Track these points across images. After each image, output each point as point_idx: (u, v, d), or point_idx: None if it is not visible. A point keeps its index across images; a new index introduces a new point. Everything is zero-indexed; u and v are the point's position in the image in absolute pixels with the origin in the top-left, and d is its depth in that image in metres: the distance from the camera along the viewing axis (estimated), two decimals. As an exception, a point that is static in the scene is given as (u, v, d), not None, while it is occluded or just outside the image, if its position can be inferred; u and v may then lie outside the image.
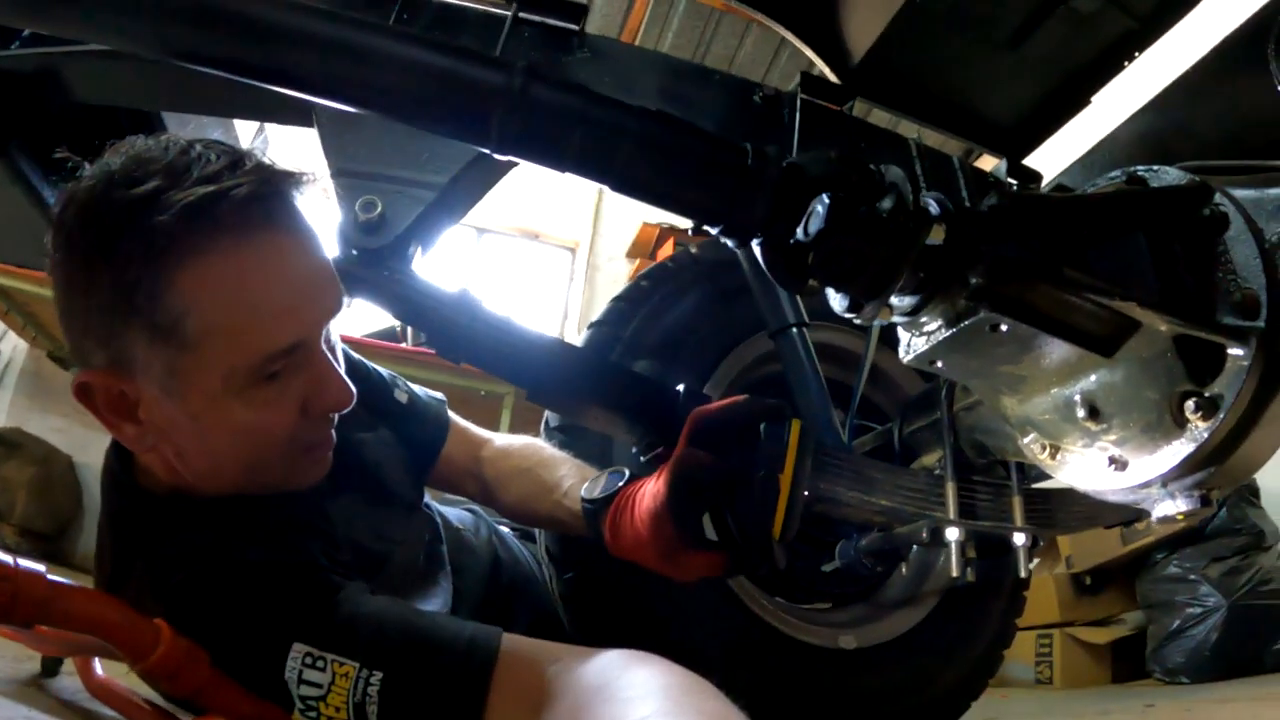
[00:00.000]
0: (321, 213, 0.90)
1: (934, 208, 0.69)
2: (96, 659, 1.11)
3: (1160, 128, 0.99)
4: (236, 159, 0.81)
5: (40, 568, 0.69)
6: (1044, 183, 1.17)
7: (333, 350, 0.91)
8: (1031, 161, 1.24)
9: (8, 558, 0.67)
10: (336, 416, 0.92)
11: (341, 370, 0.90)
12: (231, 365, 0.80)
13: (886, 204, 0.69)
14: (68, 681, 1.19)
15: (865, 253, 0.68)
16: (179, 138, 0.82)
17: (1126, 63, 1.09)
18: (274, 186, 0.81)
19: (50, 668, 1.21)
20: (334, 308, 0.88)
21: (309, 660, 0.73)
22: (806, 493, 0.99)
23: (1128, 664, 3.11)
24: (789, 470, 0.85)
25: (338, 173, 0.95)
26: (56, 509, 3.85)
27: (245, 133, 1.44)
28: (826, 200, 0.68)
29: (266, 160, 0.84)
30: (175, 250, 0.77)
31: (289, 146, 1.81)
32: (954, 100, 1.21)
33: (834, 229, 0.68)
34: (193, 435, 0.85)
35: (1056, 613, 3.23)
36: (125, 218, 0.77)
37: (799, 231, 0.71)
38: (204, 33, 0.74)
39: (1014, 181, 1.16)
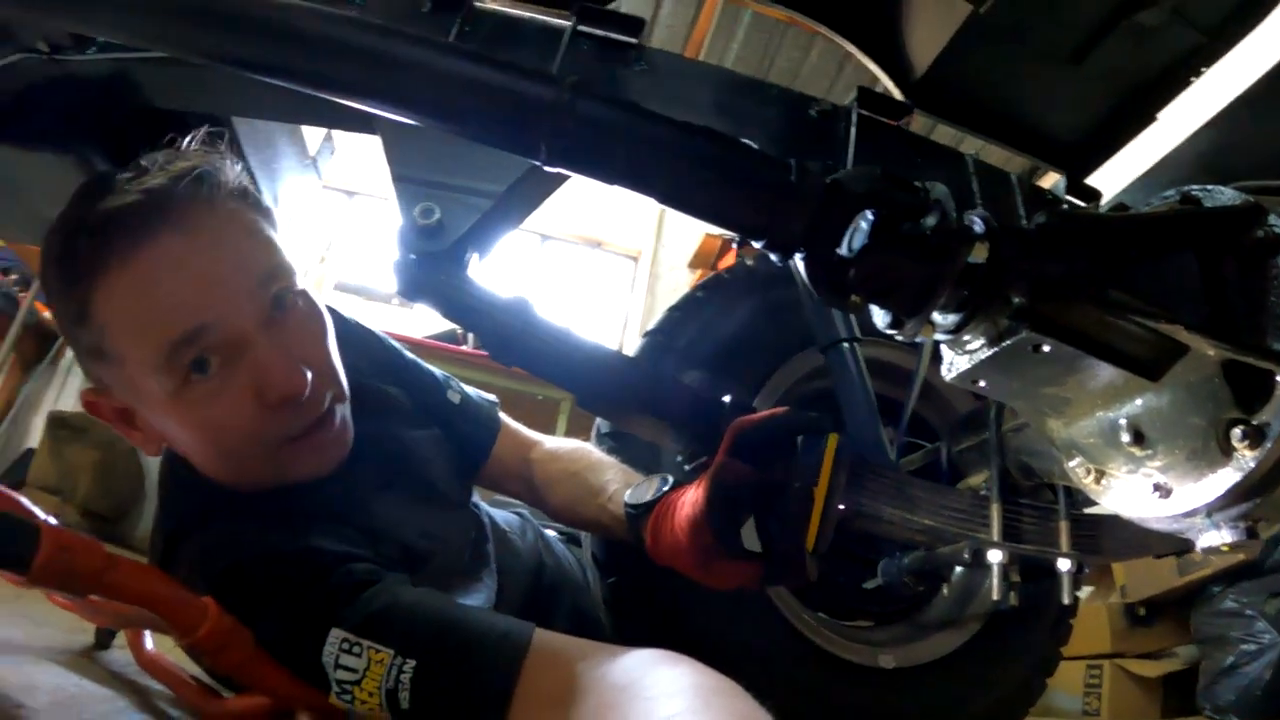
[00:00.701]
0: (255, 198, 0.96)
1: (978, 226, 0.68)
2: (147, 634, 1.16)
3: (1222, 145, 0.96)
4: (141, 170, 0.88)
5: (99, 542, 0.74)
6: (1104, 200, 1.15)
7: (295, 332, 0.92)
8: (1098, 178, 1.22)
9: (71, 530, 0.72)
10: (327, 402, 0.94)
11: (307, 352, 0.92)
12: (152, 365, 0.85)
13: (930, 221, 0.69)
14: (118, 655, 1.23)
15: (907, 269, 0.69)
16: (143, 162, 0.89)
17: (1192, 78, 1.07)
18: (161, 192, 0.86)
19: (102, 641, 1.26)
20: (248, 289, 0.89)
21: (346, 646, 0.75)
22: (847, 507, 0.99)
23: (1178, 699, 2.98)
24: (824, 483, 0.85)
25: (398, 179, 0.98)
26: (118, 492, 3.99)
27: (313, 138, 1.49)
28: (870, 216, 0.69)
29: (180, 160, 0.90)
30: (81, 273, 0.85)
31: (355, 150, 1.87)
32: (1016, 116, 1.20)
33: (876, 245, 0.68)
34: (175, 437, 0.91)
35: (1108, 643, 3.12)
36: (49, 254, 0.87)
37: (843, 247, 0.71)
38: (270, 47, 0.78)
39: (1072, 199, 1.14)
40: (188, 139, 0.96)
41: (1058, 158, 1.22)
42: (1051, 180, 1.23)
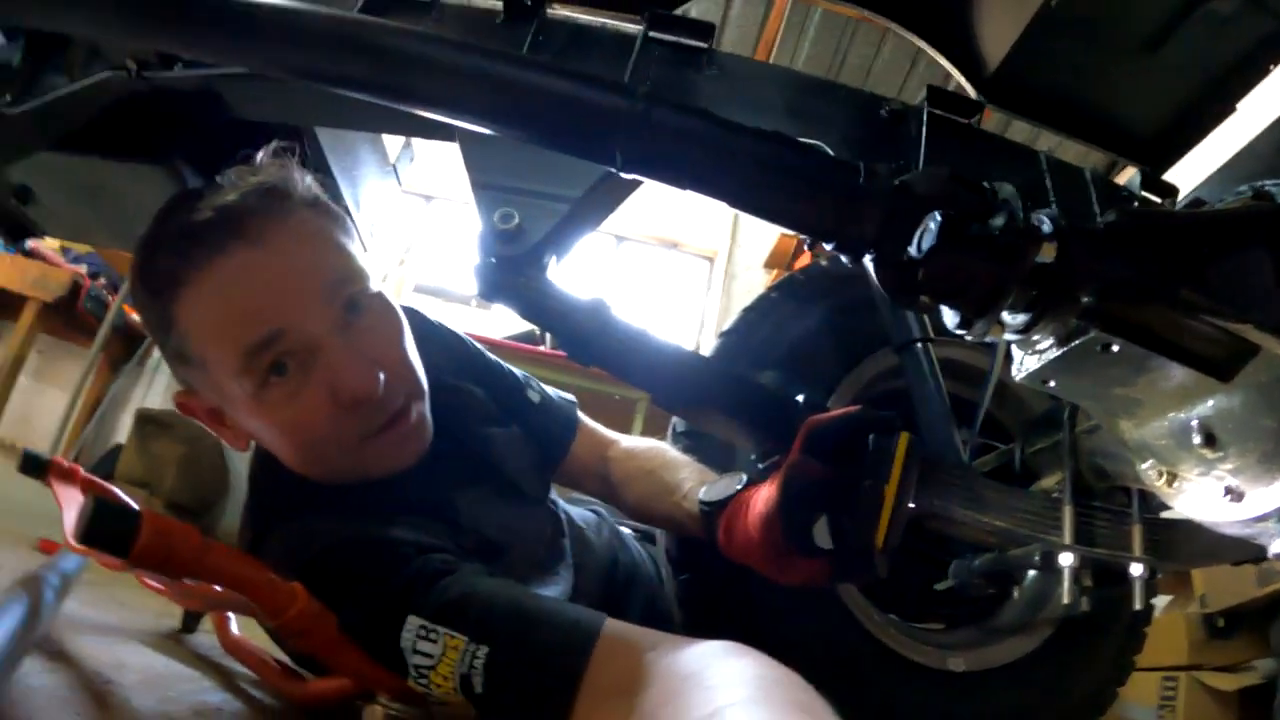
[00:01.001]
0: (329, 208, 1.01)
1: (1046, 225, 0.68)
2: (233, 618, 1.21)
3: (1301, 137, 0.94)
4: (217, 188, 0.94)
5: (194, 528, 0.77)
6: (1180, 196, 1.13)
7: (368, 334, 0.96)
8: (1178, 173, 1.19)
9: (167, 516, 0.76)
10: (401, 399, 0.98)
11: (382, 351, 0.97)
12: (228, 368, 0.91)
13: (998, 222, 0.69)
14: (204, 638, 1.28)
15: (975, 270, 0.69)
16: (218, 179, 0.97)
17: (1271, 66, 1.04)
18: (232, 208, 0.92)
19: (189, 624, 1.30)
20: (320, 295, 0.94)
21: (422, 632, 0.79)
22: (918, 507, 1.00)
23: (1255, 714, 2.85)
24: (894, 481, 0.86)
25: (477, 185, 1.01)
26: (203, 486, 4.13)
27: (393, 145, 1.54)
28: (938, 218, 0.69)
29: (254, 176, 0.96)
30: (164, 287, 0.92)
31: (433, 156, 1.92)
32: (1090, 109, 1.17)
33: (944, 246, 0.69)
34: (264, 437, 0.98)
35: (1185, 655, 3.00)
36: (137, 271, 0.96)
37: (912, 248, 0.72)
38: (352, 63, 0.82)
39: (1148, 195, 1.12)
40: (260, 153, 1.02)
41: (1134, 152, 1.19)
42: (1129, 176, 1.20)
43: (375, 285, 1.00)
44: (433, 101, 0.82)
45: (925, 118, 1.11)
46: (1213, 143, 1.13)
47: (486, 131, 0.84)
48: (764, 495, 0.93)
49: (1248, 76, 1.06)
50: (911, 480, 0.88)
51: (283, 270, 0.93)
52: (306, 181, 1.01)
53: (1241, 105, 1.09)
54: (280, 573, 0.86)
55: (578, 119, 0.77)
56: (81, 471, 1.34)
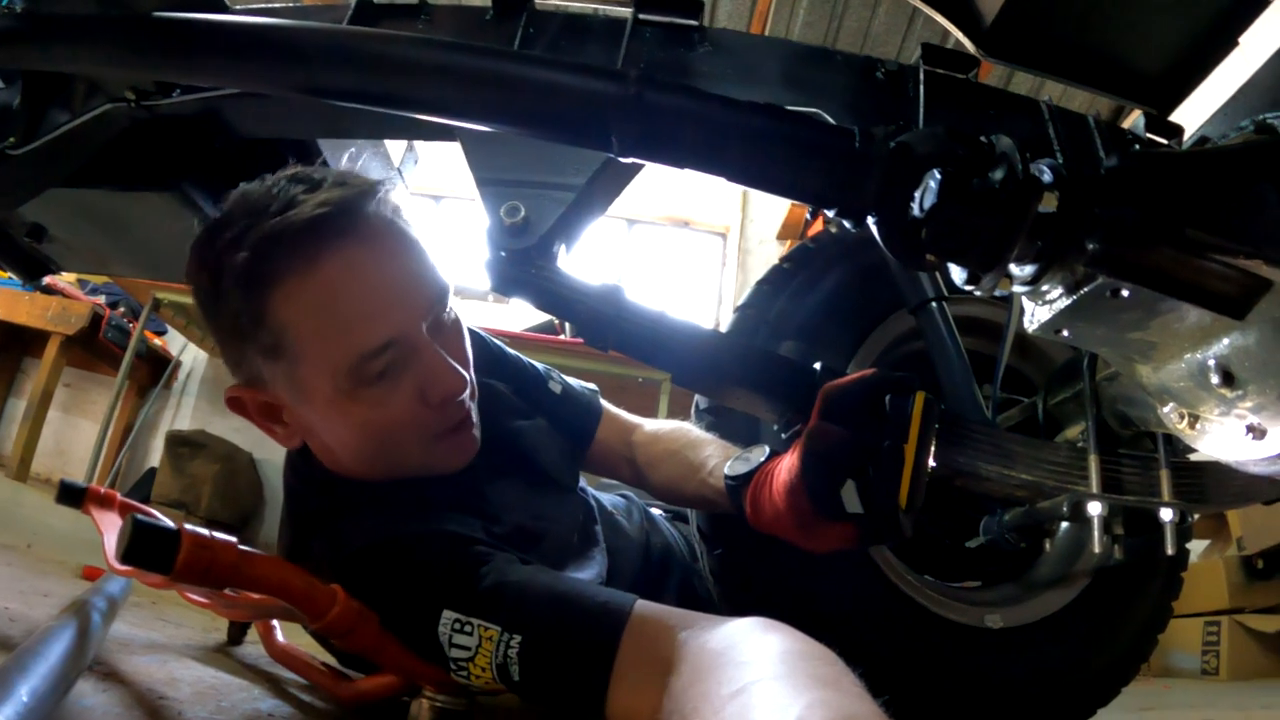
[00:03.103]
0: (415, 217, 1.01)
1: (1046, 175, 0.68)
2: (278, 626, 1.23)
3: (1304, 69, 0.92)
4: (314, 185, 0.93)
5: (232, 539, 0.79)
6: (1186, 135, 1.11)
7: (451, 335, 0.99)
8: (1185, 113, 1.17)
9: (204, 530, 0.77)
10: (469, 401, 1.00)
11: (460, 355, 0.99)
12: (334, 369, 0.91)
13: (998, 175, 0.69)
14: (251, 649, 1.30)
15: (979, 225, 0.69)
16: (277, 175, 0.96)
17: (1271, -2, 1.02)
18: (338, 205, 0.91)
19: (235, 636, 1.33)
20: (426, 302, 0.96)
21: (458, 625, 0.80)
22: (944, 466, 1.00)
23: None
24: (913, 440, 0.86)
25: (482, 182, 1.02)
26: (239, 501, 4.20)
27: (396, 150, 1.55)
28: (938, 176, 0.69)
29: (346, 179, 0.95)
30: (262, 279, 0.90)
31: (438, 158, 1.93)
32: (1091, 54, 1.15)
33: (946, 203, 0.69)
34: (328, 432, 0.98)
35: (1225, 599, 2.99)
36: (221, 260, 0.91)
37: (914, 208, 0.72)
38: (346, 75, 0.83)
39: (1154, 137, 1.11)
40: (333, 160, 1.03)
41: (1139, 94, 1.17)
42: (1135, 119, 1.19)
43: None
44: (427, 105, 0.83)
45: (922, 77, 1.10)
46: (1218, 79, 1.12)
47: (486, 129, 0.85)
48: (787, 464, 0.94)
49: (1250, 8, 1.05)
50: (930, 438, 0.88)
51: (396, 274, 0.95)
52: (399, 192, 1.02)
53: (1243, 39, 1.08)
54: (320, 575, 0.87)
55: (571, 108, 0.77)
56: (119, 496, 1.37)
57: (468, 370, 1.01)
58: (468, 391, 1.00)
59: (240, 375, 0.99)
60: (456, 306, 1.04)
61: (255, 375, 0.97)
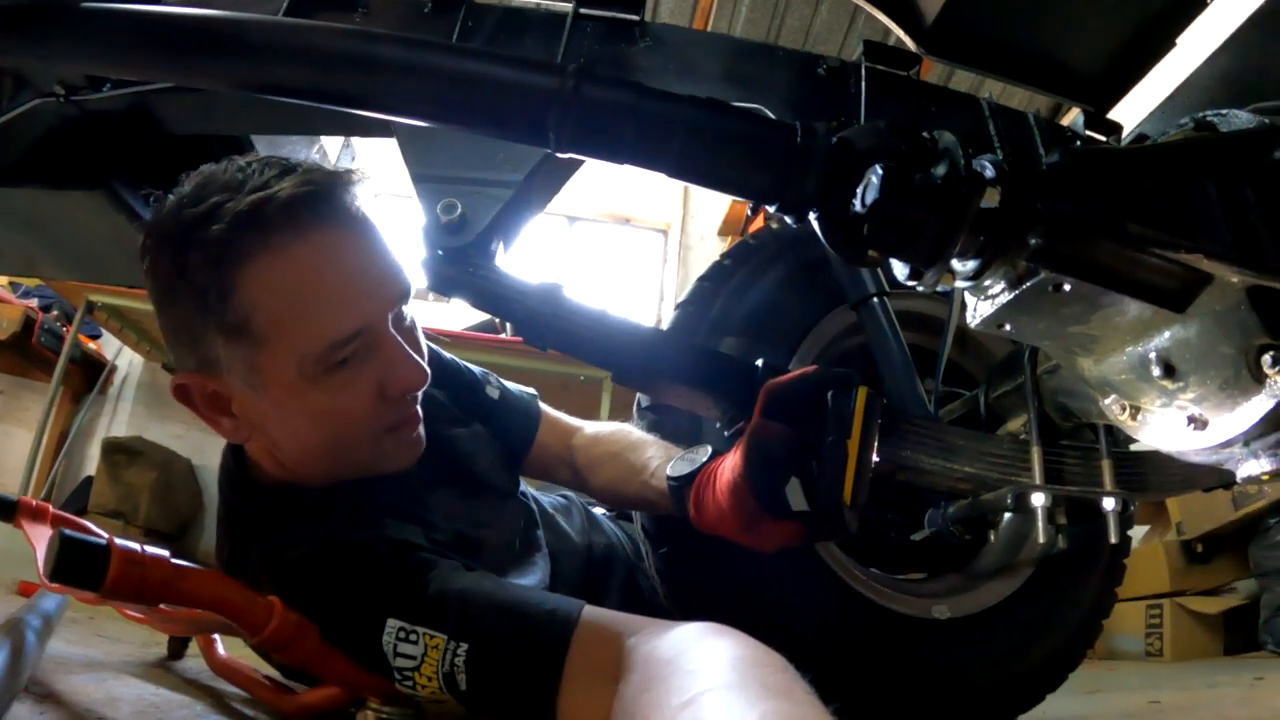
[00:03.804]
0: (378, 208, 0.98)
1: (988, 171, 0.68)
2: (219, 640, 1.20)
3: (1238, 69, 0.94)
4: (288, 169, 0.90)
5: (164, 553, 0.76)
6: (1125, 133, 1.13)
7: (409, 332, 0.98)
8: (1123, 111, 1.19)
9: (135, 545, 0.75)
10: (419, 396, 0.99)
11: (418, 352, 0.97)
12: (301, 355, 0.88)
13: (939, 170, 0.69)
14: (192, 663, 1.28)
15: (920, 220, 0.69)
16: (243, 158, 0.91)
17: (1208, 1, 1.04)
18: (320, 187, 0.89)
19: (176, 650, 1.30)
20: (395, 295, 0.94)
21: (402, 634, 0.78)
22: (886, 460, 1.00)
23: (1240, 635, 2.95)
24: (856, 436, 0.86)
25: (418, 178, 1.00)
26: (178, 509, 4.11)
27: (332, 147, 1.52)
28: (880, 171, 0.69)
29: (320, 166, 0.92)
30: (234, 255, 0.86)
31: (374, 155, 1.90)
32: (1031, 53, 1.17)
33: (888, 199, 0.68)
34: (280, 424, 0.94)
35: (1167, 582, 3.09)
36: (190, 233, 0.86)
37: (856, 203, 0.72)
38: (277, 69, 0.81)
39: (1093, 134, 1.12)
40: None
41: (1078, 92, 1.19)
42: (1073, 117, 1.20)
43: None
44: (364, 100, 0.81)
45: (864, 73, 1.10)
46: (1156, 78, 1.14)
47: (422, 124, 0.83)
48: (730, 463, 0.93)
49: (1186, 11, 1.07)
50: (873, 434, 0.89)
51: (369, 263, 0.93)
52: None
53: (1181, 40, 1.10)
54: (258, 585, 0.85)
55: (508, 102, 0.76)
56: (51, 509, 1.32)
57: (424, 361, 0.99)
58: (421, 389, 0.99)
59: (192, 361, 0.93)
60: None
61: (210, 359, 0.91)
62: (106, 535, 0.77)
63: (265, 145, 1.30)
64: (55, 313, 4.37)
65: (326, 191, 0.90)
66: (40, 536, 1.24)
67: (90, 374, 4.58)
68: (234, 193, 0.87)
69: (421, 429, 1.02)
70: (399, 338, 0.94)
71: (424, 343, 1.04)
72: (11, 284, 4.39)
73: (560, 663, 0.73)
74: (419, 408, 1.01)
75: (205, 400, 0.95)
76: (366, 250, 0.93)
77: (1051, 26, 1.14)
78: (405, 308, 0.98)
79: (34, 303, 4.32)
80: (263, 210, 0.86)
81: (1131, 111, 1.18)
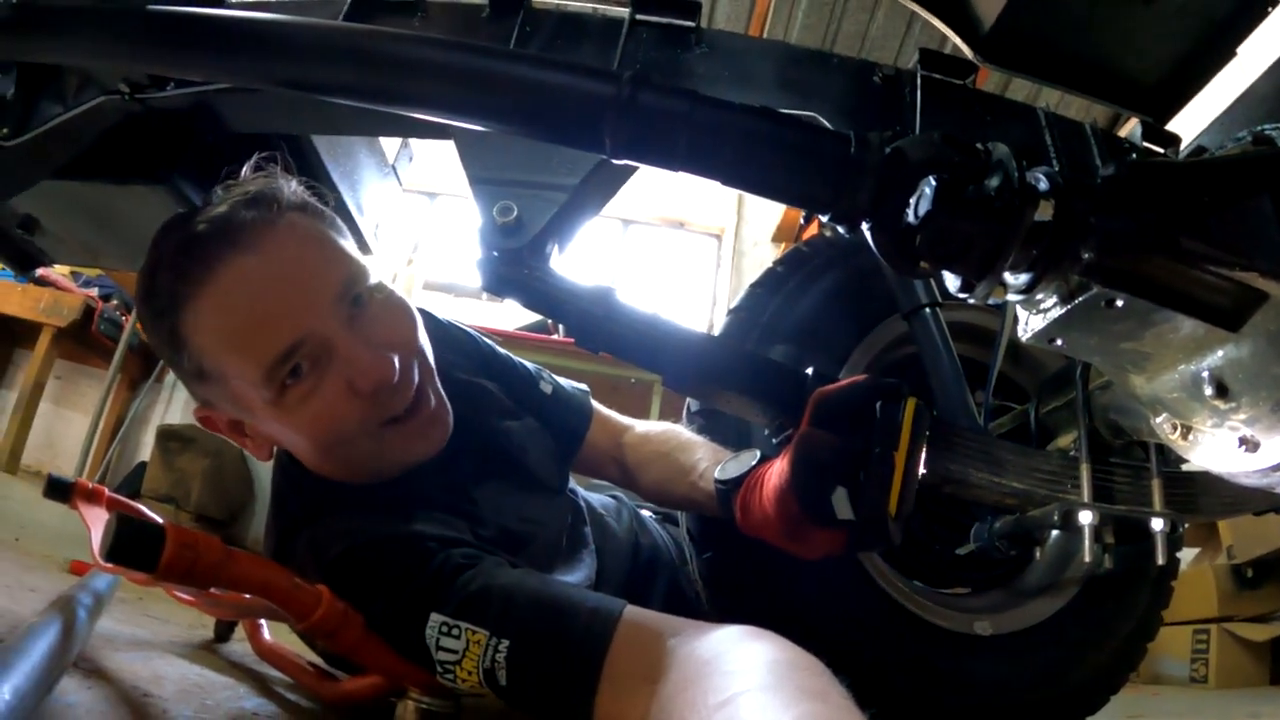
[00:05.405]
0: (314, 205, 1.02)
1: (1042, 183, 0.68)
2: (264, 624, 1.23)
3: (1301, 80, 0.92)
4: (209, 205, 0.95)
5: (217, 538, 0.78)
6: (1183, 145, 1.11)
7: (376, 316, 0.98)
8: (1182, 122, 1.17)
9: (190, 528, 0.77)
10: (416, 384, 0.99)
11: (395, 331, 0.98)
12: (248, 379, 0.91)
13: (993, 182, 0.69)
14: (237, 646, 1.30)
15: (973, 233, 0.68)
16: (222, 185, 0.98)
17: (1270, 8, 1.02)
18: (218, 219, 0.93)
19: (222, 634, 1.33)
20: (331, 296, 0.95)
21: (445, 629, 0.80)
22: (934, 473, 0.99)
23: None
24: (903, 447, 0.86)
25: (475, 180, 1.01)
26: (229, 497, 4.17)
27: (390, 147, 1.55)
28: (933, 182, 0.69)
29: (248, 190, 0.97)
30: (168, 309, 0.92)
31: (432, 156, 1.92)
32: (1090, 62, 1.15)
33: (940, 211, 0.68)
34: (283, 439, 0.98)
35: (1215, 607, 2.99)
36: (138, 291, 0.96)
37: (908, 214, 0.72)
38: (342, 70, 0.83)
39: (1150, 146, 1.10)
40: (244, 167, 1.03)
41: (1136, 102, 1.17)
42: (1131, 127, 1.18)
43: (375, 277, 1.01)
44: (421, 103, 0.82)
45: (919, 81, 1.10)
46: (1216, 89, 1.12)
47: (480, 128, 0.84)
48: (777, 469, 0.93)
49: (1248, 19, 1.05)
50: (921, 445, 0.88)
51: (284, 275, 0.93)
52: (293, 186, 1.01)
53: (1242, 49, 1.08)
54: (305, 575, 0.87)
55: (564, 108, 0.76)
56: (106, 492, 1.36)
57: (404, 349, 0.98)
58: (414, 373, 0.99)
59: (198, 398, 1.01)
60: (388, 289, 1.02)
61: (205, 398, 0.99)
62: (162, 518, 0.79)
63: (324, 145, 1.33)
64: (115, 302, 4.46)
65: (224, 222, 0.93)
66: (95, 518, 1.28)
67: (147, 362, 4.67)
68: (158, 246, 0.95)
69: (445, 410, 1.03)
70: (353, 334, 0.95)
71: (408, 313, 1.03)
72: (73, 273, 4.51)
73: (600, 662, 0.74)
74: (431, 394, 1.01)
75: (225, 427, 1.01)
76: (282, 262, 0.94)
77: (1111, 34, 1.12)
78: (364, 288, 0.98)
79: (94, 292, 4.42)
80: (178, 259, 0.92)
81: (1191, 123, 1.16)
